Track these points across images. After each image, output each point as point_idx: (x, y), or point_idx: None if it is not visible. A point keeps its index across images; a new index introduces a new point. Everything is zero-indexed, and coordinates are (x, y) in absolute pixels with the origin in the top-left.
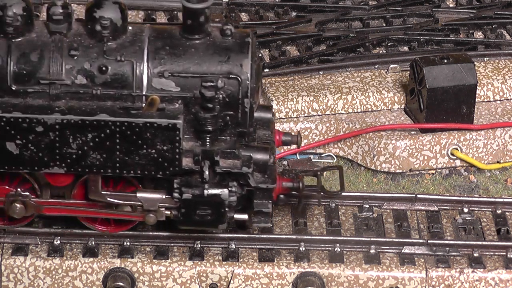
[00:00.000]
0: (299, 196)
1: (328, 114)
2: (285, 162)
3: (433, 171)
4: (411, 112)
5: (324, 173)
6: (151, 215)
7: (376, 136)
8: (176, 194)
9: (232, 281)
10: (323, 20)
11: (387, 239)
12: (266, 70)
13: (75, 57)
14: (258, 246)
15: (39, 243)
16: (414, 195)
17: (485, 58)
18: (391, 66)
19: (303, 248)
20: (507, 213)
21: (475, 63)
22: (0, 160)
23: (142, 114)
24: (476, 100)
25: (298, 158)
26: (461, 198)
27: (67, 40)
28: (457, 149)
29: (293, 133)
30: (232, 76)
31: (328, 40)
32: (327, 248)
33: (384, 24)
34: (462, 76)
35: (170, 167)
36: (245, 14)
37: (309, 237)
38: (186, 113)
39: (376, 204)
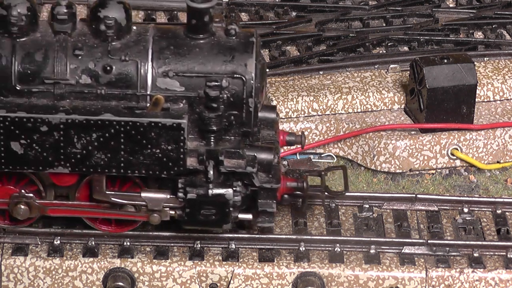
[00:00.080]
0: (304, 196)
1: (328, 114)
2: (285, 162)
3: (433, 171)
4: (411, 112)
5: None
6: (155, 215)
7: (376, 136)
8: (180, 194)
9: (232, 281)
10: (323, 20)
11: (387, 239)
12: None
13: (80, 57)
14: (258, 246)
15: (39, 243)
16: (414, 195)
17: (485, 58)
18: (391, 66)
19: (303, 248)
20: (507, 213)
21: (475, 63)
22: (5, 160)
23: (147, 113)
24: (476, 100)
25: (298, 158)
26: (461, 198)
27: (71, 40)
28: (457, 149)
29: (297, 133)
30: (237, 75)
31: (328, 40)
32: (327, 248)
33: (384, 24)
34: (462, 76)
35: (175, 167)
36: (245, 14)
37: (309, 237)
38: (190, 113)
39: (376, 204)
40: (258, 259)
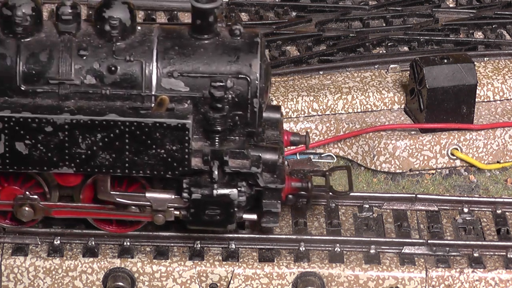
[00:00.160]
0: (308, 197)
1: (328, 114)
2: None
3: (433, 171)
4: (411, 112)
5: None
6: (159, 215)
7: (376, 136)
8: (185, 194)
9: (232, 281)
10: (323, 20)
11: (387, 239)
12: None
13: (84, 57)
14: (258, 246)
15: (39, 243)
16: (414, 195)
17: (485, 58)
18: (391, 66)
19: (303, 248)
20: (507, 213)
21: (475, 63)
22: (10, 160)
23: (152, 114)
24: (476, 100)
25: (298, 158)
26: (461, 198)
27: (76, 40)
28: (457, 149)
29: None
30: (241, 76)
31: (328, 40)
32: (327, 248)
33: (384, 24)
34: (462, 76)
35: (180, 167)
36: (245, 14)
37: (309, 237)
38: (195, 113)
39: (376, 204)
40: (258, 259)
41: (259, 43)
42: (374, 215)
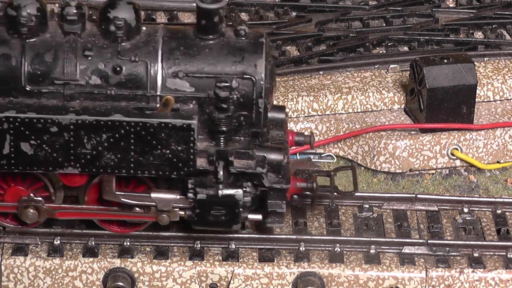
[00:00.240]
0: (313, 197)
1: (328, 114)
2: None
3: (433, 171)
4: (411, 112)
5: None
6: (164, 215)
7: (376, 136)
8: (190, 195)
9: (232, 281)
10: (323, 20)
11: (387, 239)
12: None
13: (89, 58)
14: (258, 246)
15: (39, 243)
16: (414, 195)
17: (485, 58)
18: (391, 66)
19: (303, 248)
20: (507, 213)
21: (475, 63)
22: (15, 160)
23: (157, 114)
24: (476, 100)
25: (298, 158)
26: (461, 198)
27: (81, 41)
28: (457, 149)
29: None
30: (246, 76)
31: (328, 40)
32: (327, 248)
33: (384, 24)
34: (462, 76)
35: (185, 168)
36: (245, 14)
37: (309, 237)
38: (200, 114)
39: (376, 204)
40: (258, 259)
41: (264, 43)
42: (374, 215)
